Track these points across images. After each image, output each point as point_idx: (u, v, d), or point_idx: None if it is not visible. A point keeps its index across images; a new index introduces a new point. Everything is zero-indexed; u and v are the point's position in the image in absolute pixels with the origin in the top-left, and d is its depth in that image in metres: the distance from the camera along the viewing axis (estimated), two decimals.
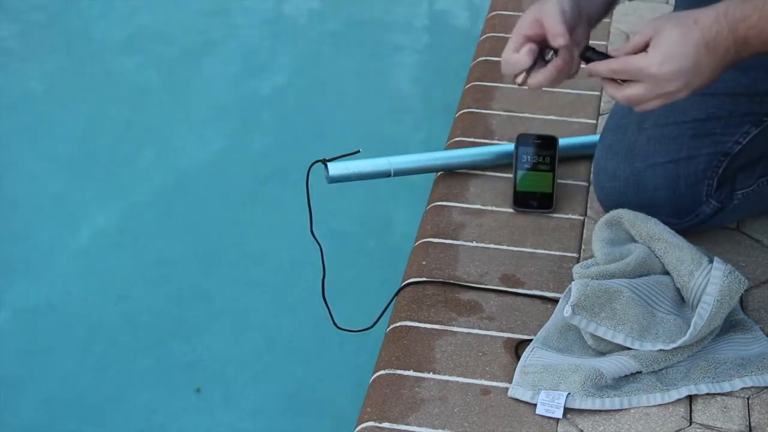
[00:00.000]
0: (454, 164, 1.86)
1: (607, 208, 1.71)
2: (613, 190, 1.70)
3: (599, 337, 1.44)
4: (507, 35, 2.37)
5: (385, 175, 1.80)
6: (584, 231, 1.74)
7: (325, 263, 1.59)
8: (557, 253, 1.69)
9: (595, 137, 1.84)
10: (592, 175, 1.79)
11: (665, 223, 1.61)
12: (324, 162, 1.67)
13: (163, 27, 3.46)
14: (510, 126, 2.01)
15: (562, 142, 1.85)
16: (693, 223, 1.69)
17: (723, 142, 1.66)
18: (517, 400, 1.40)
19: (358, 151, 1.62)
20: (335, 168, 1.74)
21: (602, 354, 1.46)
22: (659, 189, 1.66)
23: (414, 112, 3.05)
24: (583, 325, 1.44)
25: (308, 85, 3.19)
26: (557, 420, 1.37)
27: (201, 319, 2.35)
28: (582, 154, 1.90)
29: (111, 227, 2.61)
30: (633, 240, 1.57)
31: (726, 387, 1.43)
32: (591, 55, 1.48)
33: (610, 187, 1.70)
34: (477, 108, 2.09)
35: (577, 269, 1.54)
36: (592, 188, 1.82)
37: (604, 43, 2.31)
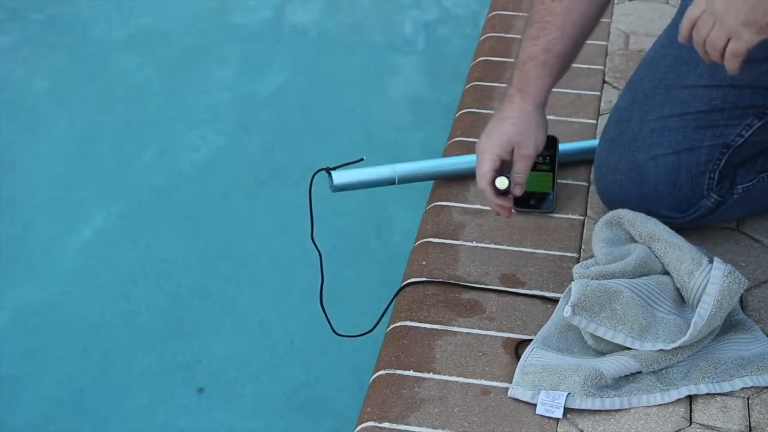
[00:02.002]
0: (458, 170, 1.86)
1: (608, 203, 1.72)
2: (614, 183, 1.70)
3: (599, 337, 1.44)
4: (507, 35, 2.38)
5: (390, 182, 1.80)
6: (584, 231, 1.74)
7: (325, 263, 1.59)
8: (557, 253, 1.69)
9: (594, 142, 1.84)
10: (593, 172, 1.79)
11: (666, 217, 1.61)
12: (328, 171, 1.67)
13: (163, 27, 3.46)
14: None
15: (563, 147, 1.85)
16: (694, 218, 1.69)
17: (725, 134, 1.66)
18: (517, 400, 1.40)
19: (362, 159, 1.62)
20: (339, 177, 1.73)
21: (602, 354, 1.46)
22: (660, 181, 1.66)
23: (414, 112, 3.05)
24: (583, 325, 1.44)
25: (308, 85, 3.19)
26: (557, 420, 1.37)
27: (201, 319, 2.35)
28: (582, 159, 1.90)
29: (111, 227, 2.61)
30: (633, 240, 1.57)
31: (726, 387, 1.43)
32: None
33: (611, 180, 1.70)
34: (477, 108, 2.09)
35: (577, 269, 1.54)
36: (592, 188, 1.82)
37: (604, 43, 2.31)
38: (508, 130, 1.61)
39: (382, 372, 1.45)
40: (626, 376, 1.42)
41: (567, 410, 1.38)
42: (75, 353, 2.26)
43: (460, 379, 1.44)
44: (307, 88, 3.17)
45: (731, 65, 1.41)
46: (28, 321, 2.35)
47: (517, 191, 1.63)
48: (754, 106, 1.65)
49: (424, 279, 1.63)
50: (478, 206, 1.80)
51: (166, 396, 2.17)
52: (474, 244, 1.71)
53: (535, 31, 1.62)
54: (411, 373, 1.45)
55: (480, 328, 1.53)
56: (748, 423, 1.38)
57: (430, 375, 1.45)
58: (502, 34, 2.37)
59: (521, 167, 1.61)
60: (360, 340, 1.60)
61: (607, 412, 1.38)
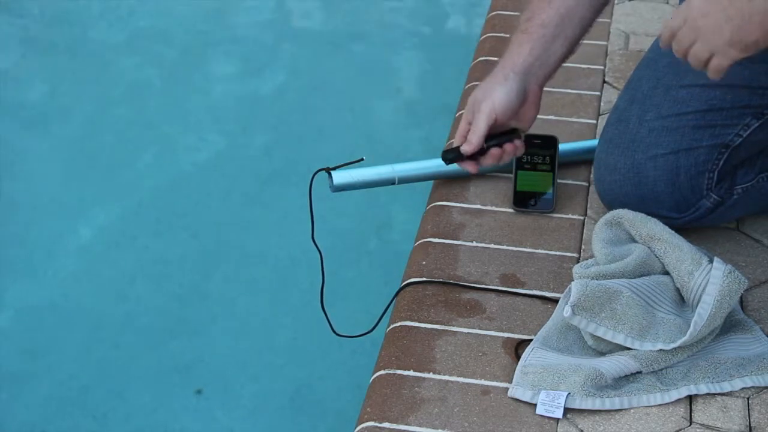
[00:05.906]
0: (458, 171, 1.85)
1: (607, 203, 1.72)
2: (614, 183, 1.70)
3: (599, 337, 1.45)
4: (507, 35, 2.38)
5: (390, 183, 1.80)
6: (584, 231, 1.74)
7: (326, 263, 1.59)
8: (557, 253, 1.69)
9: (594, 142, 1.84)
10: (592, 172, 1.79)
11: (665, 217, 1.61)
12: (328, 171, 1.67)
13: (163, 27, 3.46)
14: None
15: (562, 147, 1.85)
16: (693, 218, 1.69)
17: (724, 134, 1.66)
18: (517, 400, 1.40)
19: (362, 159, 1.62)
20: (339, 177, 1.73)
21: (602, 354, 1.46)
22: (659, 181, 1.66)
23: (414, 112, 3.05)
24: (583, 326, 1.44)
25: (308, 84, 3.19)
26: (557, 420, 1.37)
27: (201, 319, 2.35)
28: (582, 159, 1.90)
29: (111, 227, 2.61)
30: (633, 240, 1.57)
31: (726, 387, 1.43)
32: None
33: (610, 180, 1.70)
34: None
35: (577, 269, 1.54)
36: (592, 188, 1.82)
37: (604, 43, 2.31)
38: (475, 92, 1.64)
39: (382, 372, 1.46)
40: (626, 376, 1.42)
41: (567, 410, 1.38)
42: (75, 353, 2.27)
43: (460, 379, 1.44)
44: (307, 88, 3.17)
45: (713, 76, 1.43)
46: (28, 321, 2.35)
47: (464, 148, 1.61)
48: (752, 106, 1.65)
49: (424, 279, 1.63)
50: (478, 206, 1.80)
51: (166, 396, 2.18)
52: (474, 244, 1.71)
53: (526, 5, 1.68)
54: (411, 373, 1.45)
55: (480, 328, 1.53)
56: (748, 423, 1.38)
57: (430, 375, 1.45)
58: (502, 34, 2.37)
59: (475, 124, 1.61)
60: (360, 340, 1.60)
61: (607, 412, 1.39)
